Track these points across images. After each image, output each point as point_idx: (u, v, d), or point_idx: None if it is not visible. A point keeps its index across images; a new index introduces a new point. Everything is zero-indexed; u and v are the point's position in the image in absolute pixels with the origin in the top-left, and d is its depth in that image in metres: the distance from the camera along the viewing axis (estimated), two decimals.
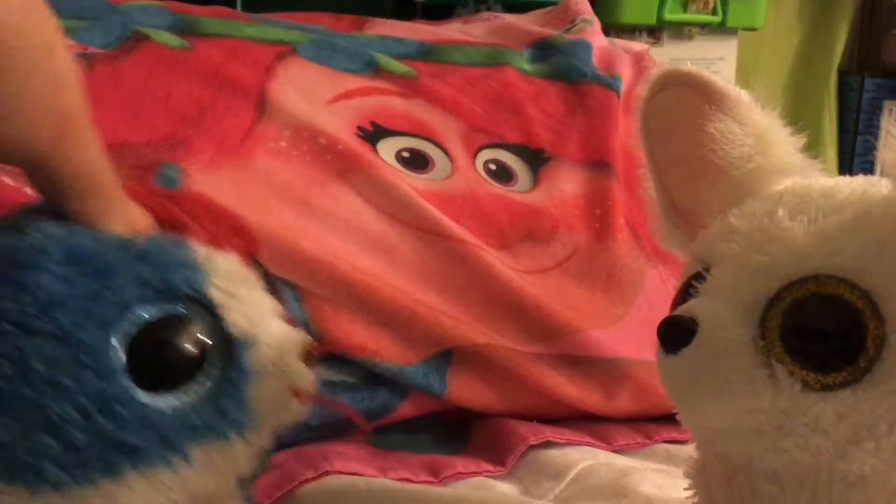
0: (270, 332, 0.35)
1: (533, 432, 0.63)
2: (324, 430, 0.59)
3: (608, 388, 0.67)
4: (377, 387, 0.62)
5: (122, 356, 0.31)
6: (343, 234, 0.64)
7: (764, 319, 0.32)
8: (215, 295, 0.34)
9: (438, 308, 0.64)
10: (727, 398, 0.33)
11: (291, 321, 0.37)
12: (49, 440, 0.30)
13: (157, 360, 0.32)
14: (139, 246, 0.33)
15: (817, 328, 0.32)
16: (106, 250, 0.32)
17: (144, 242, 0.34)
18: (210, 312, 0.34)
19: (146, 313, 0.32)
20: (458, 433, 0.65)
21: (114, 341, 0.31)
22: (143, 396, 0.32)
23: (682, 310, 0.34)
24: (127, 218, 0.34)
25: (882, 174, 0.34)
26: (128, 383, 0.31)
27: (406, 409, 0.64)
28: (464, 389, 0.64)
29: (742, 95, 0.38)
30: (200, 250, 0.35)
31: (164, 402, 0.32)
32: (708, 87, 0.38)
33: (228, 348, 0.34)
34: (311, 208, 0.64)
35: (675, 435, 0.66)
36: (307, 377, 0.36)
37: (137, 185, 0.37)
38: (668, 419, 0.66)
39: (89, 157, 0.32)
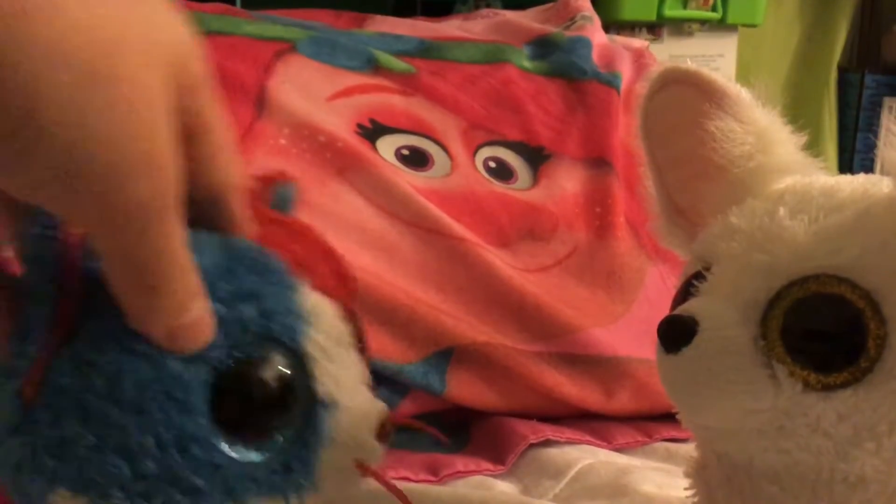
0: (354, 399, 0.34)
1: (533, 431, 0.63)
2: None
3: (608, 386, 0.67)
4: (377, 385, 0.62)
5: (208, 398, 0.30)
6: (342, 233, 0.64)
7: (765, 319, 0.32)
8: (311, 350, 0.32)
9: (438, 307, 0.64)
10: (727, 398, 0.32)
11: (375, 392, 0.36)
12: (122, 465, 0.30)
13: (241, 408, 0.31)
14: (250, 284, 0.32)
15: (818, 328, 0.32)
16: (216, 282, 0.31)
17: (256, 280, 0.32)
18: (302, 368, 0.32)
19: (239, 356, 0.31)
20: (458, 432, 0.65)
21: (203, 380, 0.30)
22: (220, 443, 0.31)
23: (682, 309, 0.34)
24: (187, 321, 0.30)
25: (883, 173, 0.34)
26: (209, 425, 0.30)
27: (406, 407, 0.64)
28: (464, 388, 0.64)
29: (742, 93, 0.38)
30: (309, 297, 0.33)
31: (239, 451, 0.31)
32: (708, 86, 0.37)
33: (311, 409, 0.33)
34: (310, 206, 0.64)
35: (675, 433, 0.66)
36: (377, 453, 0.34)
37: (254, 208, 0.36)
38: (668, 417, 0.66)
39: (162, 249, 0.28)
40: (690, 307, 0.34)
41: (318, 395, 0.32)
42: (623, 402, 0.67)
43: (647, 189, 0.41)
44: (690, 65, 0.39)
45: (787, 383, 0.31)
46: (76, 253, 0.30)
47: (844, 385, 0.31)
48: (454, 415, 0.66)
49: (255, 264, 0.32)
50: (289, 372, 0.32)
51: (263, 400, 0.32)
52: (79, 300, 0.30)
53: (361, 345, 0.36)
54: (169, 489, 0.30)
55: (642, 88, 0.40)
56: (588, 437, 0.64)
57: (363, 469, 0.34)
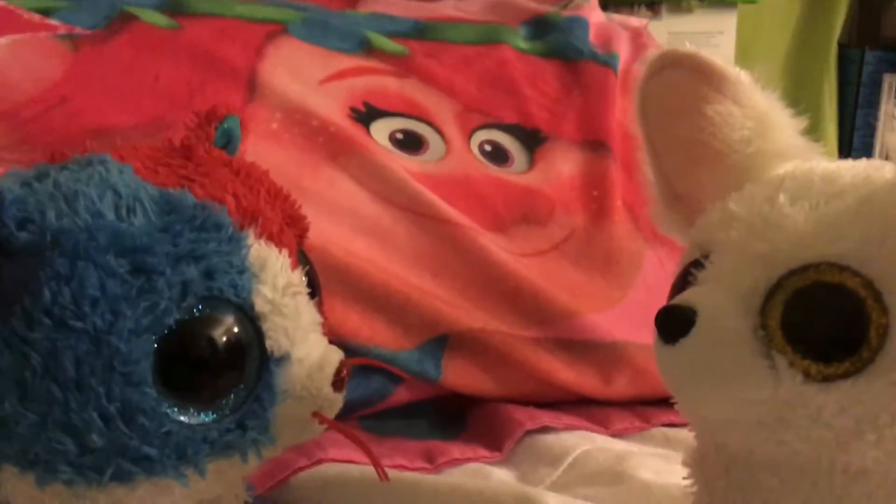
0: (307, 350, 0.33)
1: (529, 417, 0.62)
2: None
3: (605, 371, 0.66)
4: (371, 373, 0.62)
5: (153, 365, 0.30)
6: (336, 218, 0.63)
7: (764, 309, 0.32)
8: (259, 305, 0.32)
9: (433, 293, 0.63)
10: (727, 389, 0.32)
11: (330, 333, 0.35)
12: (67, 440, 0.29)
13: (189, 371, 0.31)
14: (191, 243, 0.31)
15: (819, 318, 0.31)
16: (154, 245, 0.30)
17: (197, 238, 0.31)
18: (252, 324, 0.32)
19: (184, 319, 0.30)
20: (454, 419, 0.65)
21: (147, 348, 0.30)
22: (168, 409, 0.30)
23: (681, 299, 0.33)
24: None
25: (883, 157, 0.33)
26: (155, 394, 0.30)
27: (401, 395, 0.63)
28: (459, 375, 0.63)
29: (742, 76, 0.37)
30: (255, 250, 0.33)
31: (189, 414, 0.31)
32: (707, 69, 0.37)
33: (263, 364, 0.32)
34: (303, 192, 0.63)
35: (673, 418, 0.66)
36: (334, 402, 0.34)
37: (198, 143, 0.35)
38: (666, 403, 0.65)
39: None
40: (688, 297, 0.33)
41: (269, 350, 0.32)
42: (621, 387, 0.67)
43: (645, 174, 0.41)
44: (689, 47, 0.38)
45: (787, 374, 0.31)
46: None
47: (845, 375, 0.30)
48: (450, 402, 0.65)
49: (195, 220, 0.31)
50: (237, 330, 0.32)
51: (212, 361, 0.31)
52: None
53: (312, 289, 0.35)
54: (118, 460, 0.30)
55: (640, 72, 0.39)
56: (585, 423, 0.64)
57: (321, 419, 0.34)
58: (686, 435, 0.63)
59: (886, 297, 0.30)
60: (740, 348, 0.31)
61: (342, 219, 0.63)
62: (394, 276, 0.62)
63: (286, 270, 0.33)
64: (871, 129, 1.94)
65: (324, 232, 0.61)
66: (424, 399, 0.65)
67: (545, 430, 0.62)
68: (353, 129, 0.68)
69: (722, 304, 0.32)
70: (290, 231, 0.36)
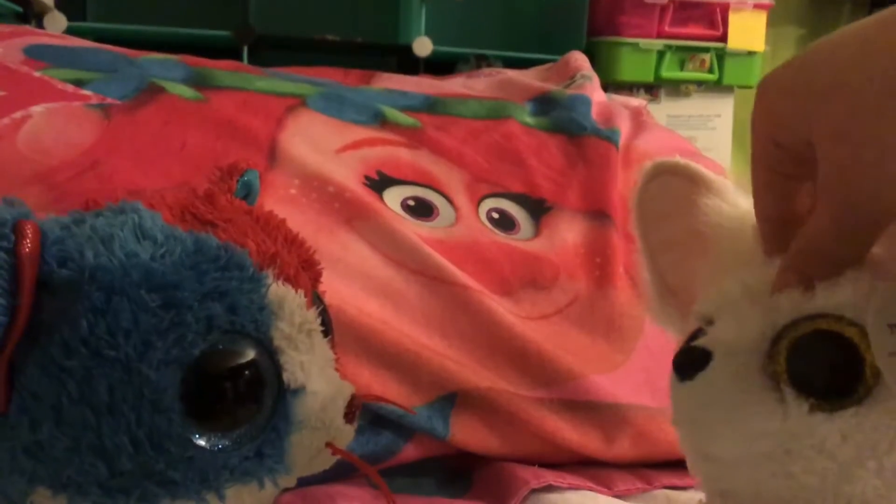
0: (321, 383, 0.35)
1: (534, 476, 0.63)
2: (330, 471, 0.60)
3: (608, 433, 0.68)
4: (381, 429, 0.63)
5: (179, 393, 0.32)
6: (350, 279, 0.65)
7: (770, 353, 0.34)
8: (278, 340, 0.34)
9: (442, 352, 0.65)
10: (738, 421, 0.34)
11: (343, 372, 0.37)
12: (99, 463, 0.31)
13: (212, 400, 0.33)
14: (216, 281, 0.33)
15: (820, 361, 0.34)
16: (182, 282, 0.32)
17: (221, 277, 0.33)
18: (270, 357, 0.34)
19: (208, 351, 0.32)
20: (461, 477, 0.66)
21: (174, 378, 0.32)
22: (192, 436, 0.32)
23: (697, 342, 0.36)
24: None
25: None
26: (182, 421, 0.32)
27: (410, 452, 0.64)
28: (467, 433, 0.65)
29: (727, 183, 0.41)
30: (273, 289, 0.35)
31: (211, 442, 0.33)
32: (695, 176, 0.41)
33: (279, 396, 0.34)
34: (320, 254, 0.65)
35: (674, 481, 0.67)
36: (345, 433, 0.36)
37: (221, 194, 0.38)
38: (668, 465, 0.67)
39: None
40: (703, 340, 0.36)
41: (286, 382, 0.34)
42: (623, 448, 0.68)
43: (642, 273, 0.44)
44: (679, 159, 0.42)
45: (794, 405, 0.33)
46: (32, 262, 0.31)
47: (847, 407, 0.33)
48: (457, 460, 0.66)
49: (219, 260, 0.34)
50: (256, 363, 0.34)
51: (234, 391, 0.33)
52: (35, 311, 0.31)
53: (326, 327, 0.37)
54: (145, 483, 0.32)
55: (636, 180, 0.43)
56: (589, 483, 0.65)
57: (334, 449, 0.36)
58: (688, 497, 0.65)
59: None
60: (751, 382, 0.34)
61: (356, 280, 0.66)
62: (405, 335, 0.64)
63: (302, 309, 0.36)
64: None
65: (338, 292, 0.64)
66: (432, 457, 0.66)
67: (549, 489, 0.63)
68: (367, 196, 0.71)
69: (733, 345, 0.35)
70: (306, 274, 0.38)
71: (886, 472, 0.33)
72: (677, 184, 0.41)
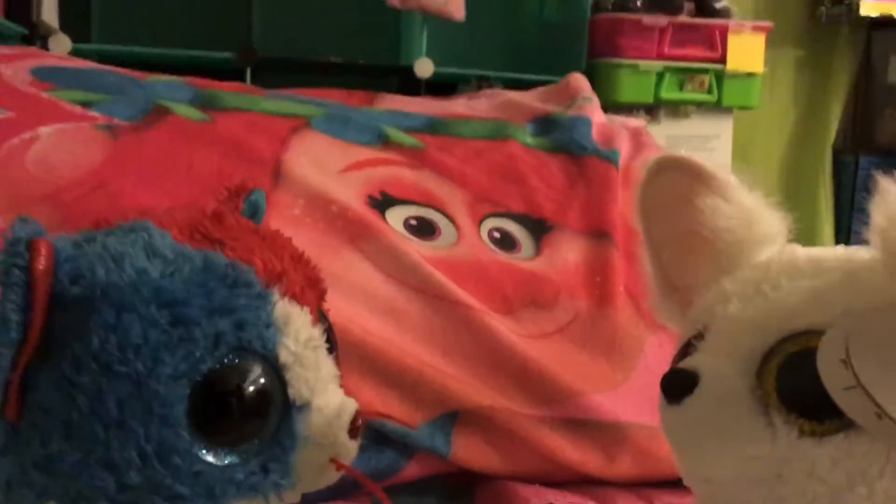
0: (326, 400, 0.36)
1: (535, 494, 0.64)
2: (333, 488, 0.60)
3: (609, 451, 0.68)
4: (384, 447, 0.63)
5: (187, 408, 0.32)
6: (353, 298, 0.66)
7: (760, 372, 0.35)
8: (284, 356, 0.35)
9: (444, 370, 0.65)
10: (728, 445, 0.34)
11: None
12: (108, 477, 0.31)
13: (219, 415, 0.33)
14: (224, 298, 0.34)
15: (810, 380, 0.33)
16: (191, 299, 0.33)
17: (229, 294, 0.34)
18: (276, 373, 0.35)
19: (216, 367, 0.33)
20: (463, 495, 0.66)
21: (182, 393, 0.32)
22: (200, 451, 0.33)
23: (684, 364, 0.36)
24: None
25: (870, 234, 0.35)
26: (189, 436, 0.32)
27: (412, 470, 0.65)
28: (468, 451, 0.65)
29: (730, 178, 0.41)
30: (280, 306, 0.35)
31: (218, 457, 0.33)
32: (699, 171, 0.41)
33: (285, 412, 0.35)
34: (324, 273, 0.66)
35: (675, 500, 0.67)
36: (350, 449, 0.37)
37: (229, 213, 0.38)
38: (668, 484, 0.68)
39: None
40: (691, 362, 0.36)
41: (292, 398, 0.35)
42: (624, 467, 0.68)
43: (645, 267, 0.44)
44: (683, 153, 0.43)
45: (784, 430, 0.33)
46: (45, 280, 0.31)
47: (836, 431, 0.33)
48: (458, 478, 0.67)
49: (227, 278, 0.34)
50: (263, 379, 0.34)
51: (240, 407, 0.34)
52: (47, 327, 0.31)
53: (330, 344, 0.38)
54: (153, 497, 0.32)
55: (640, 175, 0.43)
56: (590, 502, 0.65)
57: (338, 465, 0.36)
58: None
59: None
60: (740, 406, 0.34)
61: (359, 299, 0.66)
62: (407, 353, 0.65)
63: (307, 326, 0.36)
64: (867, 233, 1.97)
65: (341, 311, 0.64)
66: (434, 475, 0.66)
67: None
68: (370, 216, 0.71)
69: (722, 366, 0.35)
70: (311, 292, 0.39)
71: (877, 497, 0.33)
72: (681, 179, 0.41)
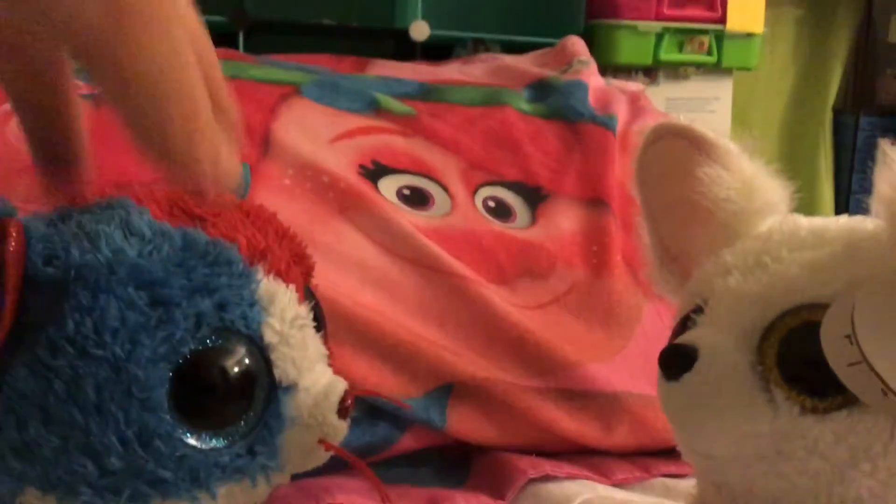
0: (313, 379, 0.35)
1: (532, 465, 0.63)
2: (327, 463, 0.59)
3: (606, 421, 0.67)
4: (378, 420, 0.63)
5: (168, 391, 0.31)
6: (345, 270, 0.65)
7: (761, 347, 0.34)
8: (268, 336, 0.34)
9: (439, 342, 0.65)
10: (728, 422, 0.34)
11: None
12: (87, 463, 0.31)
13: (202, 398, 0.32)
14: (205, 277, 0.33)
15: (811, 355, 0.33)
16: (171, 279, 0.32)
17: (210, 273, 0.33)
18: (261, 354, 0.34)
19: (198, 349, 0.32)
20: (459, 467, 0.66)
21: (163, 376, 0.31)
22: (183, 434, 0.32)
23: (682, 339, 0.35)
24: (209, 153, 0.31)
25: (874, 203, 0.35)
26: (171, 420, 0.31)
27: (406, 442, 0.64)
28: (463, 423, 0.64)
29: (730, 146, 0.40)
30: (264, 285, 0.34)
31: (202, 440, 0.32)
32: (699, 138, 0.40)
33: (271, 393, 0.34)
34: (314, 244, 0.64)
35: (673, 469, 0.66)
36: (339, 429, 0.36)
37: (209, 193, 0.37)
38: (667, 454, 0.67)
39: (156, 57, 0.28)
40: (689, 337, 0.35)
41: (278, 379, 0.34)
42: (621, 437, 0.68)
43: (643, 237, 0.43)
44: (682, 120, 0.41)
45: (785, 407, 0.33)
46: (17, 261, 0.30)
47: (839, 408, 0.32)
48: (454, 450, 0.66)
49: (208, 256, 0.33)
50: (247, 360, 0.33)
51: (224, 389, 0.33)
52: (21, 309, 0.30)
53: (318, 322, 0.37)
54: (135, 482, 0.31)
55: (638, 142, 0.42)
56: (587, 472, 0.65)
57: (327, 446, 0.35)
58: (686, 485, 0.64)
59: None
60: (740, 382, 0.33)
61: (351, 270, 0.65)
62: (401, 325, 0.64)
63: (293, 304, 0.35)
64: (866, 194, 1.97)
65: (332, 283, 0.63)
66: (429, 447, 0.65)
67: (547, 478, 0.63)
68: (361, 185, 0.70)
69: (721, 341, 0.34)
70: (297, 268, 0.37)
71: (881, 474, 0.32)
72: (680, 147, 0.40)
